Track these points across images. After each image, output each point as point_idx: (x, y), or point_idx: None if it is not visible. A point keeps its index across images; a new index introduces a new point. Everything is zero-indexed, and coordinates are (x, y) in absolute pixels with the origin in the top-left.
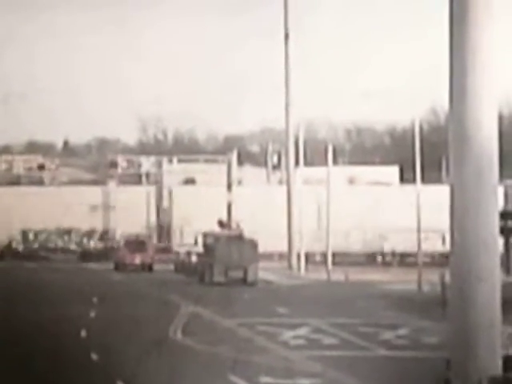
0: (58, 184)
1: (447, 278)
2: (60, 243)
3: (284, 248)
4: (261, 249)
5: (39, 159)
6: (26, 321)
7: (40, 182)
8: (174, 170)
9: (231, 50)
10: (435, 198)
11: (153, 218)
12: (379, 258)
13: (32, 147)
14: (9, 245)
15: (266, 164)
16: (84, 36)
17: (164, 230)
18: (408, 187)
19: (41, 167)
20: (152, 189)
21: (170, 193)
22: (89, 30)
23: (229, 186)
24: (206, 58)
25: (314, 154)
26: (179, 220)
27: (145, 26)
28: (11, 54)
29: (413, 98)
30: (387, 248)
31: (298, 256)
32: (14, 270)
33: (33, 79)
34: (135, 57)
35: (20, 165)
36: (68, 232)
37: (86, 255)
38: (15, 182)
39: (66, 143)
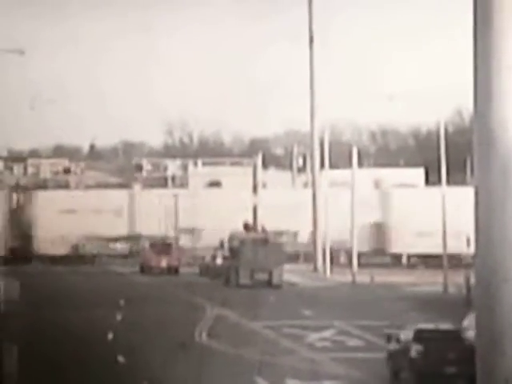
0: (83, 187)
1: (472, 279)
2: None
3: (310, 250)
4: (286, 251)
5: (65, 163)
6: (53, 325)
7: (66, 186)
8: (199, 173)
9: (256, 53)
10: (460, 200)
11: (179, 222)
12: (405, 260)
13: (59, 151)
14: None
15: (291, 167)
16: (110, 41)
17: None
18: (433, 189)
19: (67, 171)
20: (179, 191)
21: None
22: (115, 35)
23: (254, 189)
24: (232, 61)
25: (339, 156)
26: (206, 222)
27: (171, 30)
28: (38, 58)
29: (437, 99)
30: (413, 250)
31: (324, 258)
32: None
33: (60, 84)
34: (161, 61)
35: (47, 169)
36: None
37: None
38: (42, 185)
39: (92, 147)
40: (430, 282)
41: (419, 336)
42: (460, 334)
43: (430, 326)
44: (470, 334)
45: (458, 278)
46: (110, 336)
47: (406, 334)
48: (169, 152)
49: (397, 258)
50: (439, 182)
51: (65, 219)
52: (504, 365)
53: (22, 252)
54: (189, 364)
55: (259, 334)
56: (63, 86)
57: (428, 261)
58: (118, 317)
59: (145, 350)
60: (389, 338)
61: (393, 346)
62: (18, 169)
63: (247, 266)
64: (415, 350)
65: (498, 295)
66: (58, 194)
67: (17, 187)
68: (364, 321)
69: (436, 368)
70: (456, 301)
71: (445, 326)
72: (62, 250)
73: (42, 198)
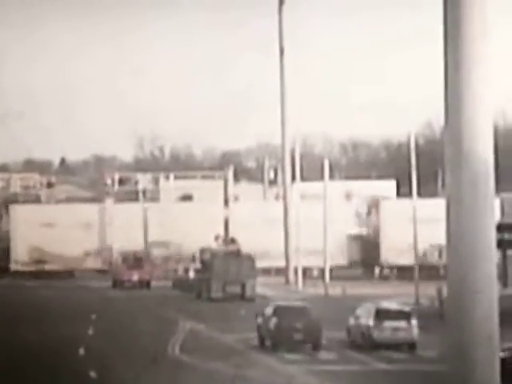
0: (55, 202)
1: (445, 291)
2: None
3: (281, 263)
4: (258, 264)
5: (36, 177)
6: (25, 339)
7: (37, 200)
8: (170, 187)
9: (227, 65)
10: (432, 212)
11: (150, 235)
12: (377, 273)
13: (29, 165)
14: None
15: (262, 179)
16: (80, 53)
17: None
18: (405, 201)
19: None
20: (150, 205)
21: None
22: (85, 47)
23: (226, 202)
24: (202, 74)
25: (311, 169)
26: (177, 236)
27: (141, 42)
28: (8, 72)
29: (408, 111)
30: (385, 262)
31: (296, 271)
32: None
33: (30, 98)
34: (131, 74)
35: (17, 183)
36: None
37: None
38: (12, 199)
39: (62, 161)
40: (402, 293)
41: (276, 311)
42: (307, 309)
43: (284, 303)
44: (364, 322)
45: (430, 290)
46: (82, 351)
47: (268, 310)
48: (140, 166)
49: (369, 270)
50: (410, 194)
51: (40, 233)
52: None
53: None
54: (162, 378)
55: (232, 347)
56: (33, 99)
57: (400, 273)
58: (90, 331)
59: (117, 365)
60: (257, 315)
61: (259, 320)
62: None
63: (219, 279)
64: (272, 322)
65: (469, 307)
66: (34, 208)
67: None
68: (336, 333)
69: (288, 335)
70: (428, 312)
71: (297, 303)
72: (34, 265)
73: (17, 211)
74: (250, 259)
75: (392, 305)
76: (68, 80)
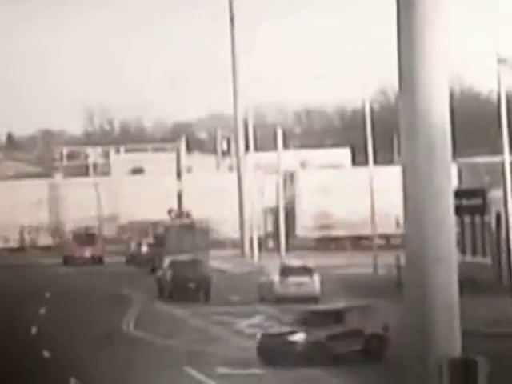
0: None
1: (402, 260)
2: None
3: (236, 235)
4: (212, 237)
5: None
6: None
7: None
8: (121, 160)
9: (176, 35)
10: (388, 179)
11: (102, 210)
12: (333, 242)
13: None
14: None
15: (215, 151)
16: (23, 25)
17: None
18: (360, 169)
19: None
20: (100, 180)
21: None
22: (28, 21)
23: (178, 175)
24: (151, 44)
25: (264, 138)
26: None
27: (85, 15)
28: None
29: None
30: (341, 232)
31: (251, 243)
32: None
33: None
34: (76, 47)
35: None
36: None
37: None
38: None
39: (9, 136)
40: (359, 263)
41: (172, 264)
42: (199, 262)
43: (181, 257)
44: (271, 278)
45: (387, 259)
46: (34, 330)
47: (166, 262)
48: (89, 139)
49: (326, 240)
50: (366, 162)
51: None
52: (437, 346)
53: None
54: (117, 356)
55: (187, 322)
56: None
57: (357, 242)
58: (42, 310)
59: (71, 344)
60: (153, 270)
61: (158, 273)
62: None
63: (172, 253)
64: (169, 274)
65: (429, 274)
66: None
67: None
68: (292, 305)
69: (182, 284)
70: (386, 282)
71: (186, 257)
72: None
73: None
74: (204, 232)
75: (296, 262)
76: (11, 55)
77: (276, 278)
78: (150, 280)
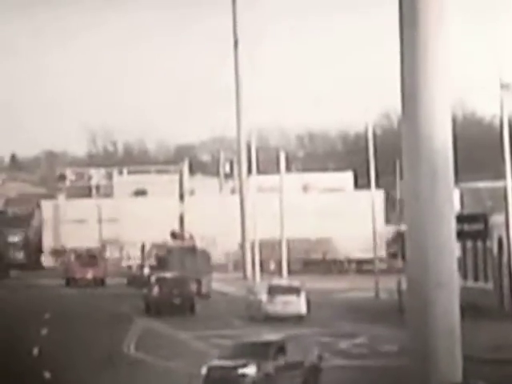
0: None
1: (404, 284)
2: None
3: (238, 258)
4: (214, 259)
5: None
6: None
7: None
8: (124, 182)
9: (180, 57)
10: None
11: (105, 232)
12: (335, 266)
13: None
14: None
15: (218, 173)
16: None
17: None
18: (362, 193)
19: None
20: (103, 202)
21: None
22: (31, 41)
23: (181, 197)
24: (155, 65)
25: (267, 161)
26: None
27: (93, 37)
28: None
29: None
30: (343, 255)
31: (253, 265)
32: None
33: None
34: (81, 68)
35: None
36: None
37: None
38: None
39: (13, 157)
40: (361, 287)
41: (157, 280)
42: (184, 278)
43: (167, 274)
44: (259, 297)
45: (390, 283)
46: (36, 351)
47: (153, 279)
48: (93, 161)
49: (328, 263)
50: (368, 185)
51: None
52: (438, 372)
53: None
54: (117, 377)
55: (188, 345)
56: None
57: (359, 266)
58: (44, 331)
59: (72, 365)
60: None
61: (144, 290)
62: None
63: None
64: (155, 290)
65: (431, 300)
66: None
67: None
68: (294, 329)
69: (168, 300)
70: (388, 306)
71: (172, 274)
72: None
73: None
74: (206, 255)
75: (283, 281)
76: (14, 76)
77: (264, 297)
78: None
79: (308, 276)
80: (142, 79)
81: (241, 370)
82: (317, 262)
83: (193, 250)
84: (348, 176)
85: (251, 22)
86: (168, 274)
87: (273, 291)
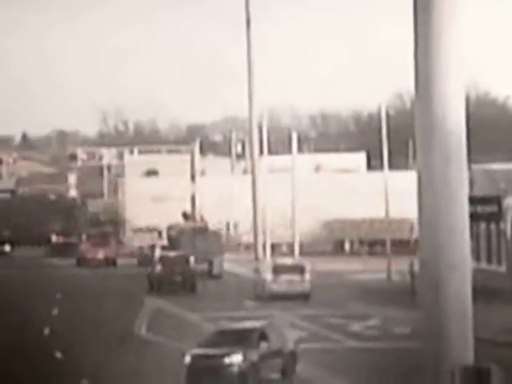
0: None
1: (416, 266)
2: None
3: (250, 239)
4: (226, 240)
5: None
6: None
7: None
8: (135, 162)
9: (191, 37)
10: (403, 184)
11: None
12: (347, 247)
13: None
14: None
15: (229, 153)
16: (42, 29)
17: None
18: (375, 174)
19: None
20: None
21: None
22: (47, 23)
23: (192, 177)
24: (167, 45)
25: (279, 142)
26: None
27: (102, 14)
28: None
29: (378, 82)
30: (355, 236)
31: (265, 247)
32: None
33: None
34: (92, 48)
35: None
36: None
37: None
38: None
39: (24, 136)
40: (373, 269)
41: (160, 259)
42: (185, 256)
43: (170, 253)
44: (263, 276)
45: (402, 265)
46: (47, 331)
47: (156, 258)
48: (104, 141)
49: (340, 245)
50: (381, 166)
51: None
52: (450, 354)
53: None
54: (128, 358)
55: (199, 326)
56: None
57: (371, 248)
58: (55, 311)
59: (83, 345)
60: (140, 263)
61: (148, 268)
62: None
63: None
64: (157, 268)
65: (443, 281)
66: None
67: None
68: (307, 310)
69: (170, 277)
70: (400, 288)
71: (175, 252)
72: None
73: None
74: (217, 236)
75: (288, 260)
76: (27, 55)
77: (269, 276)
78: None
79: (320, 258)
80: (153, 59)
81: (227, 359)
82: (328, 243)
83: (204, 230)
84: (361, 157)
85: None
86: (171, 253)
87: (277, 270)
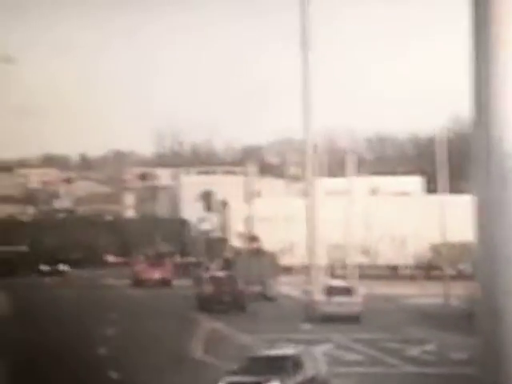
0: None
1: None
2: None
3: (305, 261)
4: (281, 262)
5: (55, 173)
6: (46, 338)
7: (56, 196)
8: (191, 182)
9: (248, 59)
10: (461, 209)
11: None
12: (404, 271)
13: (48, 161)
14: None
15: (285, 175)
16: (100, 49)
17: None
18: (433, 197)
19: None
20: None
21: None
22: (105, 43)
23: (247, 198)
24: (223, 67)
25: (335, 164)
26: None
27: (160, 36)
28: (29, 68)
29: (436, 105)
30: (412, 261)
31: (319, 269)
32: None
33: (50, 93)
34: (150, 68)
35: (35, 178)
36: None
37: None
38: (31, 196)
39: (82, 156)
40: (430, 293)
41: (210, 279)
42: (234, 278)
43: (219, 273)
44: (315, 297)
45: (460, 290)
46: (102, 351)
47: (206, 278)
48: (160, 161)
49: (396, 268)
50: (438, 189)
51: None
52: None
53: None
54: (184, 380)
55: (255, 348)
56: (53, 94)
57: (428, 272)
58: (110, 331)
59: (138, 366)
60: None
61: (198, 288)
62: (5, 179)
63: (241, 278)
64: (207, 288)
65: (501, 308)
66: None
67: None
68: (363, 334)
69: (219, 297)
70: (458, 313)
71: (224, 273)
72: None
73: None
74: (272, 257)
75: (339, 282)
76: (88, 76)
77: (320, 297)
78: None
79: (376, 281)
80: (210, 80)
81: None
82: (385, 267)
83: (259, 252)
84: (417, 180)
85: (321, 21)
86: (220, 273)
87: (328, 292)
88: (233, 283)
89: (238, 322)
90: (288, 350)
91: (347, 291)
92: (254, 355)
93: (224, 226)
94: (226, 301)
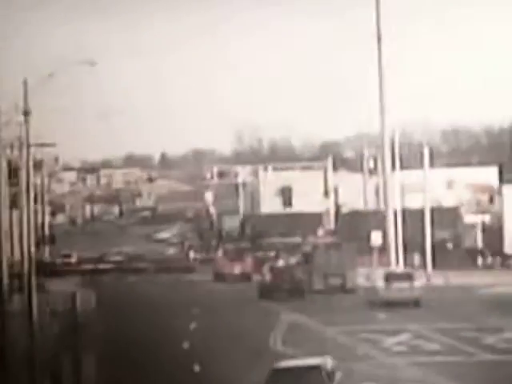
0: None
1: None
2: None
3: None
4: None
5: (137, 172)
6: (134, 332)
7: (138, 195)
8: (270, 179)
9: (324, 56)
10: None
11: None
12: (480, 261)
13: (130, 161)
14: None
15: (361, 169)
16: (176, 48)
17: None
18: (509, 188)
19: (150, 179)
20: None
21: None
22: (180, 41)
23: (326, 193)
24: (300, 64)
25: (411, 157)
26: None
27: (237, 33)
28: (108, 71)
29: (509, 96)
30: (489, 250)
31: (397, 261)
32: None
33: (130, 95)
34: (228, 66)
35: (119, 179)
36: None
37: None
38: (114, 196)
39: (163, 156)
40: (507, 282)
41: (270, 269)
42: (292, 266)
43: (278, 263)
44: (375, 283)
45: None
46: (186, 345)
47: (266, 268)
48: (239, 158)
49: (472, 258)
50: None
51: None
52: None
53: None
54: (264, 372)
55: (334, 339)
56: (133, 95)
57: (505, 261)
58: (193, 325)
59: (220, 359)
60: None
61: (258, 278)
62: (91, 179)
63: (320, 271)
64: (267, 277)
65: None
66: None
67: (91, 198)
68: (440, 323)
69: (278, 285)
70: None
71: (282, 263)
72: None
73: None
74: (351, 250)
75: (398, 268)
76: (165, 78)
77: (381, 283)
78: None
79: (452, 271)
80: (287, 76)
81: None
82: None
83: (338, 245)
84: (493, 171)
85: (395, 16)
86: (279, 263)
87: (389, 278)
88: (292, 272)
89: (318, 314)
90: (317, 361)
91: (406, 277)
92: (284, 366)
93: None
94: (285, 288)
